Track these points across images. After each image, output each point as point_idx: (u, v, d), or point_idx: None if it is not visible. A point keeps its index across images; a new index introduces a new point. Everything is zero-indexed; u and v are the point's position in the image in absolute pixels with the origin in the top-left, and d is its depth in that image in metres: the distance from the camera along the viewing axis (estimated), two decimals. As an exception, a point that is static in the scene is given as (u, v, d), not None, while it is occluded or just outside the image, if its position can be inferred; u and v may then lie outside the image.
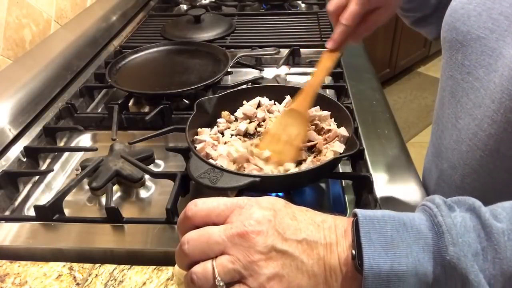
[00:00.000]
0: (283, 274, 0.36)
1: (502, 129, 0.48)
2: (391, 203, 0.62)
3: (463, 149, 0.55)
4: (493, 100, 0.49)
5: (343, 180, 0.73)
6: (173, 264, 0.56)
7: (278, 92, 0.80)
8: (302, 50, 1.10)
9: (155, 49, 1.09)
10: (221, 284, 0.36)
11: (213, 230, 0.38)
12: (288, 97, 0.79)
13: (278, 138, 0.66)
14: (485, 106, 0.51)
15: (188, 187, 0.69)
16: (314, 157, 0.66)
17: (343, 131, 0.69)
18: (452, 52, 0.57)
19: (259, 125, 0.76)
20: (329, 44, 0.63)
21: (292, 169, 0.63)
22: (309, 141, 0.69)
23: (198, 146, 0.69)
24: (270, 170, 0.63)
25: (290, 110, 0.67)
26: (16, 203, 0.72)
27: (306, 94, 0.66)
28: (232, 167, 0.65)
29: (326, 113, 0.74)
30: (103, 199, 0.72)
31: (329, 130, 0.71)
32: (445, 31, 0.58)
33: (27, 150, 0.78)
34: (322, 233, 0.38)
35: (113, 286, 0.54)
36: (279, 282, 0.36)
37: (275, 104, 0.80)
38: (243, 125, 0.74)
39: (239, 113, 0.78)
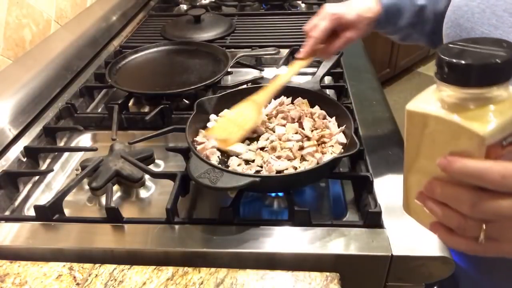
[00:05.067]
0: None
1: None
2: (391, 203, 0.62)
3: None
4: None
5: (343, 180, 0.73)
6: (173, 264, 0.56)
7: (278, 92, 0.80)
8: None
9: (155, 49, 1.09)
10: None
11: None
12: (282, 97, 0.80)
13: (233, 121, 0.73)
14: None
15: (188, 187, 0.69)
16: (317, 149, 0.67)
17: (341, 137, 0.69)
18: None
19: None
20: (299, 54, 0.72)
21: (239, 150, 0.69)
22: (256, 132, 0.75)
23: (199, 147, 0.69)
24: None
25: (250, 100, 0.75)
26: (16, 203, 0.72)
27: (268, 90, 0.74)
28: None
29: (322, 112, 0.76)
30: (103, 199, 0.72)
31: (328, 135, 0.71)
32: (448, 28, 0.59)
33: (27, 150, 0.78)
34: None
35: (113, 286, 0.54)
36: None
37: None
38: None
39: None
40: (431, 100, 0.36)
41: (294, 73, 0.73)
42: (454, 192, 0.34)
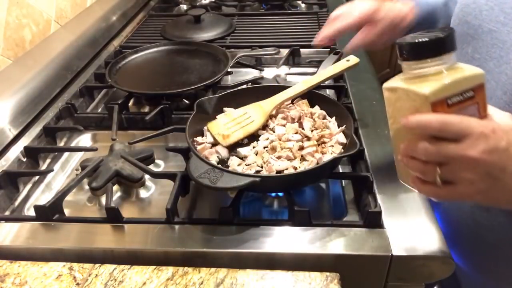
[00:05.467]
0: None
1: None
2: (391, 203, 0.62)
3: None
4: (505, 92, 0.50)
5: (343, 180, 0.73)
6: (173, 264, 0.56)
7: (278, 92, 0.80)
8: (302, 50, 1.10)
9: (155, 49, 1.09)
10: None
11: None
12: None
13: (236, 121, 0.74)
14: (496, 98, 0.52)
15: (188, 187, 0.69)
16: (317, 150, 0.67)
17: (341, 137, 0.69)
18: (462, 46, 0.58)
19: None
20: (314, 40, 0.75)
21: (244, 153, 0.69)
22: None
23: (199, 147, 0.69)
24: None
25: (257, 105, 0.76)
26: (16, 203, 0.72)
27: (277, 100, 0.76)
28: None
29: (322, 112, 0.76)
30: (103, 199, 0.72)
31: (328, 135, 0.71)
32: (456, 25, 0.59)
33: (27, 150, 0.78)
34: None
35: (113, 286, 0.54)
36: None
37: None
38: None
39: None
40: (398, 78, 0.47)
41: (305, 91, 0.76)
42: (414, 143, 0.43)
